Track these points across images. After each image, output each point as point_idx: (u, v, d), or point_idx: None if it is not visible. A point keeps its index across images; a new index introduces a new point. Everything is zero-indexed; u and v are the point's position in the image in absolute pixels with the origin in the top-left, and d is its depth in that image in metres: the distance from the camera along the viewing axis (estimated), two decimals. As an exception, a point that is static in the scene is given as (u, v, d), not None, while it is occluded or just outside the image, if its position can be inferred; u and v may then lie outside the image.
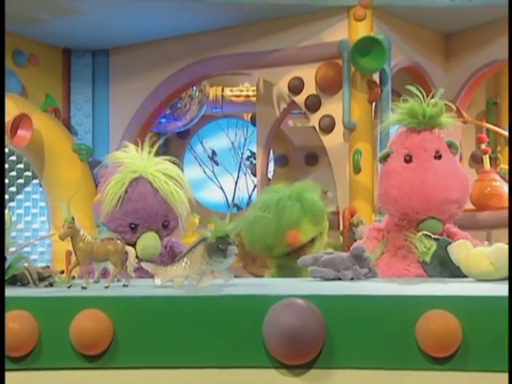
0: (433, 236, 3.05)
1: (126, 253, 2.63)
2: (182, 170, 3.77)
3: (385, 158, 3.41)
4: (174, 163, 3.51)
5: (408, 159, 3.32)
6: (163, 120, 8.63)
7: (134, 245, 3.38)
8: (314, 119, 6.71)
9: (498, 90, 7.73)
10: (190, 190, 3.53)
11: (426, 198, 3.23)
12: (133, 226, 3.42)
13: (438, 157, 3.30)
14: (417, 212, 3.26)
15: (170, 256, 3.58)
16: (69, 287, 2.53)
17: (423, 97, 3.34)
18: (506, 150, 7.39)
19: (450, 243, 2.98)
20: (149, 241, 3.38)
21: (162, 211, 3.41)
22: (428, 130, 3.34)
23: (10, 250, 2.79)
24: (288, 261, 3.74)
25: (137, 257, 2.71)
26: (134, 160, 3.45)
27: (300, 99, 6.79)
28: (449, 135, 3.42)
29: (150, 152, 3.48)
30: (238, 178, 10.37)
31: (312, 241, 3.86)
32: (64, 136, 7.28)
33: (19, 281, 2.79)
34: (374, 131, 6.53)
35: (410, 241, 3.16)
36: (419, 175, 3.27)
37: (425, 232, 3.07)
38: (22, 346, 2.06)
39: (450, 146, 3.35)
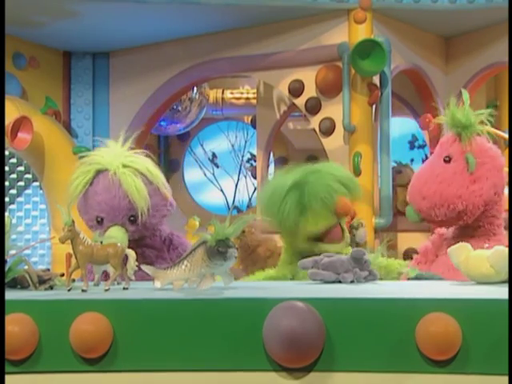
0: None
1: (126, 256, 2.63)
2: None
3: None
4: (149, 157, 3.48)
5: (432, 153, 3.63)
6: (163, 122, 8.63)
7: None
8: (315, 122, 6.72)
9: (498, 92, 7.74)
10: (162, 184, 3.45)
11: (412, 184, 3.53)
12: (99, 219, 3.41)
13: (447, 161, 3.42)
14: (407, 193, 3.56)
15: (170, 249, 3.55)
16: (69, 290, 2.53)
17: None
18: (506, 152, 7.39)
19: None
20: (112, 235, 3.31)
21: (124, 204, 3.35)
22: (457, 134, 3.42)
23: (10, 253, 2.79)
24: (313, 247, 3.57)
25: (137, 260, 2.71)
26: (103, 154, 3.44)
27: (300, 102, 6.79)
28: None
29: (122, 146, 3.46)
30: (238, 180, 10.36)
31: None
32: (64, 138, 7.28)
33: (19, 284, 2.79)
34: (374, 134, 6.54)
35: None
36: (423, 166, 3.62)
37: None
38: (21, 349, 2.06)
39: (467, 161, 3.40)
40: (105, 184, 3.39)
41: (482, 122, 3.47)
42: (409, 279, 3.19)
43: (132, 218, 3.38)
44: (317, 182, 3.53)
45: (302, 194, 3.49)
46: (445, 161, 3.42)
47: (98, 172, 3.42)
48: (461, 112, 3.42)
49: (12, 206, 7.20)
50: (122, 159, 3.41)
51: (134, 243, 3.39)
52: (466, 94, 3.46)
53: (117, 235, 3.31)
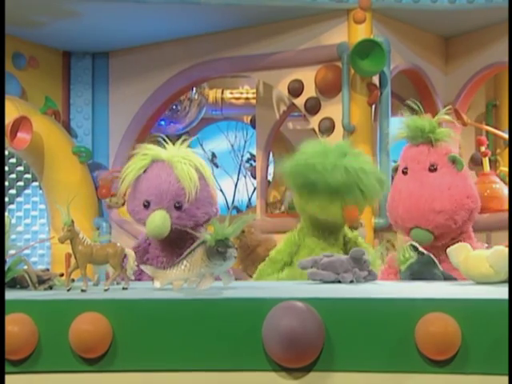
0: (420, 249, 3.09)
1: (126, 256, 2.63)
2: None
3: (394, 171, 3.53)
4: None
5: (405, 171, 3.43)
6: (162, 122, 8.63)
7: None
8: (314, 122, 6.72)
9: (498, 92, 7.74)
10: (212, 182, 3.65)
11: (410, 206, 3.33)
12: (146, 203, 3.51)
13: (433, 169, 3.36)
14: (402, 220, 3.38)
15: None
16: (68, 290, 2.53)
17: (422, 110, 3.42)
18: (506, 152, 7.39)
19: (432, 261, 3.03)
20: (155, 217, 3.43)
21: (172, 189, 3.46)
22: (426, 143, 3.37)
23: (10, 253, 2.79)
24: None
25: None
26: (160, 149, 3.59)
27: (300, 102, 6.80)
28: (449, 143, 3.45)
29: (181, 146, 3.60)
30: (237, 180, 10.36)
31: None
32: (64, 138, 7.29)
33: (19, 284, 2.79)
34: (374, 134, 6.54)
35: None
36: (408, 186, 3.38)
37: (412, 243, 3.12)
38: (21, 349, 2.06)
39: (454, 161, 3.37)
40: (157, 171, 3.52)
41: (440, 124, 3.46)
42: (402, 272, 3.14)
43: (177, 205, 3.48)
44: (341, 181, 3.45)
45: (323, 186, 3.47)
46: (431, 170, 3.35)
47: (153, 162, 3.54)
48: (420, 121, 3.40)
49: (11, 206, 7.20)
50: (179, 152, 3.55)
51: (170, 250, 3.51)
52: (416, 104, 3.46)
53: (160, 216, 3.43)
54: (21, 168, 7.24)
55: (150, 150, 3.58)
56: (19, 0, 6.11)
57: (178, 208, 3.48)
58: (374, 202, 3.78)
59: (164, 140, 3.62)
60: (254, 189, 9.75)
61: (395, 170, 3.54)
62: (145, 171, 3.55)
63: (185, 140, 3.63)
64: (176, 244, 3.59)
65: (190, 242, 3.53)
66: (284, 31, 6.82)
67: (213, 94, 9.17)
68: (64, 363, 2.08)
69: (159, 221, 3.42)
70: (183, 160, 3.49)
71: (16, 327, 2.04)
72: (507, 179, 6.90)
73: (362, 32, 6.44)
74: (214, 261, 2.39)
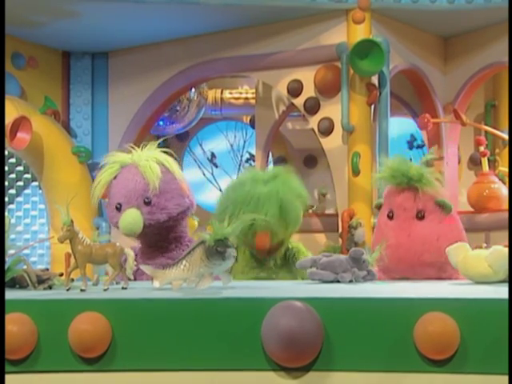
0: None
1: (125, 255, 2.64)
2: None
3: (378, 208, 3.44)
4: (169, 155, 3.69)
5: (390, 216, 3.31)
6: (162, 122, 8.63)
7: None
8: (313, 122, 6.71)
9: (497, 92, 7.74)
10: (179, 175, 3.70)
11: (398, 259, 3.21)
12: (118, 205, 3.60)
13: (421, 217, 3.23)
14: (389, 270, 3.27)
15: None
16: (68, 290, 2.53)
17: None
18: (504, 152, 7.40)
19: None
20: (126, 215, 3.52)
21: (139, 186, 3.54)
22: (413, 189, 3.24)
23: (9, 253, 2.79)
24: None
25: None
26: (127, 155, 3.67)
27: (299, 102, 6.79)
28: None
29: (148, 149, 3.67)
30: (237, 180, 10.34)
31: (281, 242, 3.94)
32: (63, 138, 7.28)
33: (18, 283, 2.80)
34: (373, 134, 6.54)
35: None
36: (395, 235, 3.25)
37: None
38: (20, 349, 2.06)
39: (442, 206, 3.26)
40: (125, 174, 3.61)
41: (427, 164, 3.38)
42: None
43: (147, 200, 3.55)
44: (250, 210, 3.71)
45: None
46: (418, 218, 3.23)
47: (122, 167, 3.64)
48: (406, 166, 3.26)
49: (11, 206, 7.20)
50: (146, 154, 3.64)
51: (153, 253, 3.57)
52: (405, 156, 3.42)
53: (131, 213, 3.51)
54: (20, 168, 7.23)
55: (118, 157, 3.67)
56: (19, 0, 6.10)
57: (148, 203, 3.55)
58: (280, 233, 3.88)
59: (132, 147, 3.69)
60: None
61: (379, 207, 3.43)
62: (115, 177, 3.63)
63: (152, 144, 3.70)
64: (156, 245, 3.65)
65: (169, 240, 3.58)
66: (283, 31, 6.81)
67: (212, 94, 9.16)
68: (63, 363, 2.09)
69: (130, 217, 3.51)
70: (146, 158, 3.59)
71: (15, 327, 2.05)
72: (506, 179, 6.90)
73: (361, 32, 6.43)
74: (214, 260, 2.40)
